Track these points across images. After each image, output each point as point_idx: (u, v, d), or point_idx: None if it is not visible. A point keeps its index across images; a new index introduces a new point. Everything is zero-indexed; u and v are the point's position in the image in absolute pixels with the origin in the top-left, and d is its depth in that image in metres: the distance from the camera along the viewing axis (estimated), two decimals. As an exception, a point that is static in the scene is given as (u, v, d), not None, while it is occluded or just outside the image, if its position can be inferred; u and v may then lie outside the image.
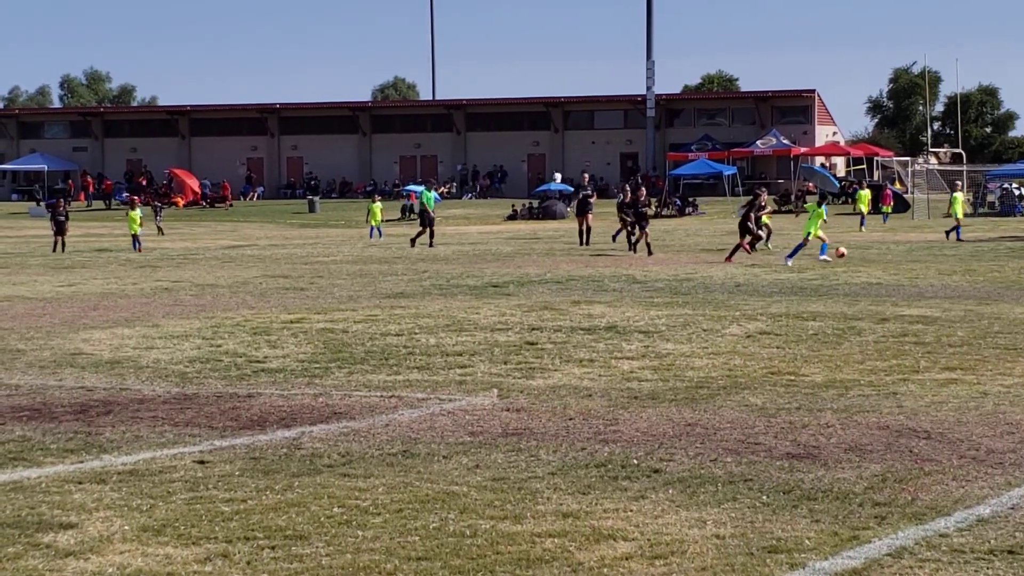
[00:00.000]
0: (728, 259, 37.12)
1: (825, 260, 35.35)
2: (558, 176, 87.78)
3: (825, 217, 37.86)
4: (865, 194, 61.58)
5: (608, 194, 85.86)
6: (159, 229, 60.04)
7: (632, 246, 42.30)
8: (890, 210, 66.92)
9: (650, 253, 40.02)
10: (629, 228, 43.12)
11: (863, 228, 56.55)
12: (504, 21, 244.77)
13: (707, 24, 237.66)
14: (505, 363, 17.42)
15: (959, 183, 61.63)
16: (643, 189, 45.17)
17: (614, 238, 45.51)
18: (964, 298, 25.53)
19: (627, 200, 43.25)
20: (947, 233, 48.64)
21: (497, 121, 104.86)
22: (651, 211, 42.27)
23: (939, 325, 20.94)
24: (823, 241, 36.30)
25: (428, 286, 29.89)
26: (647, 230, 41.62)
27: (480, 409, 14.13)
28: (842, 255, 35.77)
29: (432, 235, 47.76)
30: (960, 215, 49.56)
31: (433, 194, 50.68)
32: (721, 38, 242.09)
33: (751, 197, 41.83)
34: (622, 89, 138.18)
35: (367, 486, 10.62)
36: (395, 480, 10.83)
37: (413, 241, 47.26)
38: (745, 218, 39.89)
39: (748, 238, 39.13)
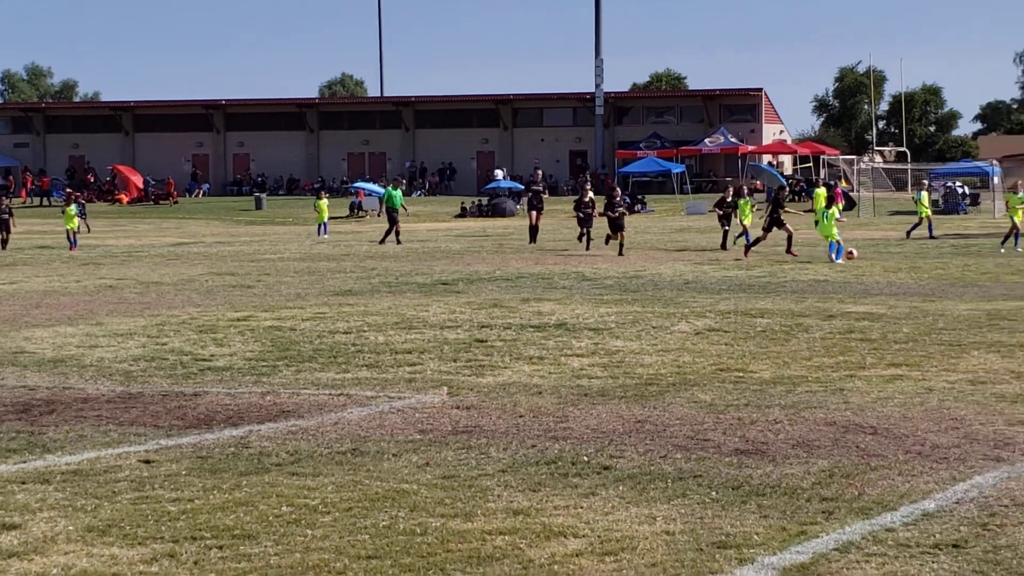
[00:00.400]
0: (790, 251, 36.75)
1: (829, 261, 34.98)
2: (499, 172, 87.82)
3: (826, 216, 37.28)
4: (821, 192, 61.57)
5: (558, 192, 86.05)
6: (87, 227, 59.42)
7: (586, 242, 42.04)
8: (842, 208, 67.09)
9: (621, 253, 38.99)
10: (586, 228, 42.75)
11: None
12: (453, 18, 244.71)
13: (655, 22, 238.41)
14: (455, 361, 17.40)
15: (925, 181, 61.82)
16: (618, 189, 44.44)
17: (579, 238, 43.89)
18: (909, 295, 25.69)
19: (588, 200, 42.70)
20: (930, 231, 48.85)
21: (446, 118, 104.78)
22: (610, 212, 40.88)
23: (885, 322, 21.07)
24: (833, 241, 35.90)
25: (377, 284, 29.83)
26: (623, 231, 40.57)
27: (430, 407, 14.11)
28: (852, 256, 35.34)
29: (388, 233, 47.60)
30: (927, 212, 50.18)
31: (399, 192, 50.21)
32: (669, 37, 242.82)
33: (775, 193, 41.14)
34: (571, 87, 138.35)
35: (316, 485, 10.58)
36: (344, 479, 10.80)
37: (397, 240, 47.10)
38: (774, 214, 39.43)
39: (784, 231, 38.47)
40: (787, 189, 43.21)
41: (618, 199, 41.30)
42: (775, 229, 38.36)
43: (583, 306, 24.01)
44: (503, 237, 51.91)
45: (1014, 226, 39.58)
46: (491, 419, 13.36)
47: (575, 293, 26.85)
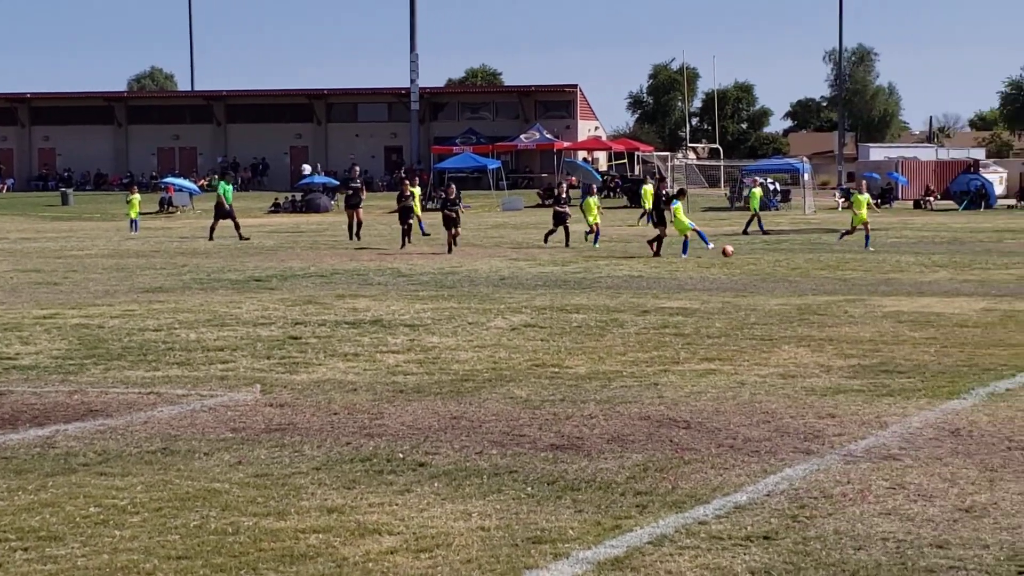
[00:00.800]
0: (656, 253, 36.17)
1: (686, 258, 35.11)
2: (307, 167, 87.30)
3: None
4: (649, 189, 61.66)
5: (373, 187, 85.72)
6: None
7: (402, 240, 41.65)
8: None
9: (449, 251, 38.27)
10: (405, 227, 42.42)
11: (642, 222, 56.26)
12: (266, 11, 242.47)
13: (471, 18, 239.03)
14: (268, 358, 17.19)
15: (759, 179, 62.55)
16: (453, 187, 43.69)
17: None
18: (722, 290, 26.07)
19: (446, 197, 41.81)
20: (748, 227, 49.77)
21: (258, 113, 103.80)
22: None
23: (698, 317, 21.34)
24: (687, 235, 36.25)
25: (188, 280, 29.40)
26: (457, 229, 39.80)
27: (242, 405, 13.91)
28: (728, 253, 35.37)
29: (238, 227, 46.06)
30: (756, 208, 51.21)
31: (231, 186, 48.88)
32: (485, 33, 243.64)
33: (656, 185, 40.27)
34: (386, 82, 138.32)
35: (125, 485, 10.35)
36: (154, 478, 10.58)
37: (210, 236, 46.05)
38: (659, 207, 38.96)
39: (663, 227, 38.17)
40: (666, 180, 43.06)
41: (453, 196, 40.96)
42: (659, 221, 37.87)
43: (399, 302, 23.94)
44: (317, 233, 51.56)
45: (864, 225, 39.56)
46: (305, 417, 13.22)
47: (391, 289, 26.76)
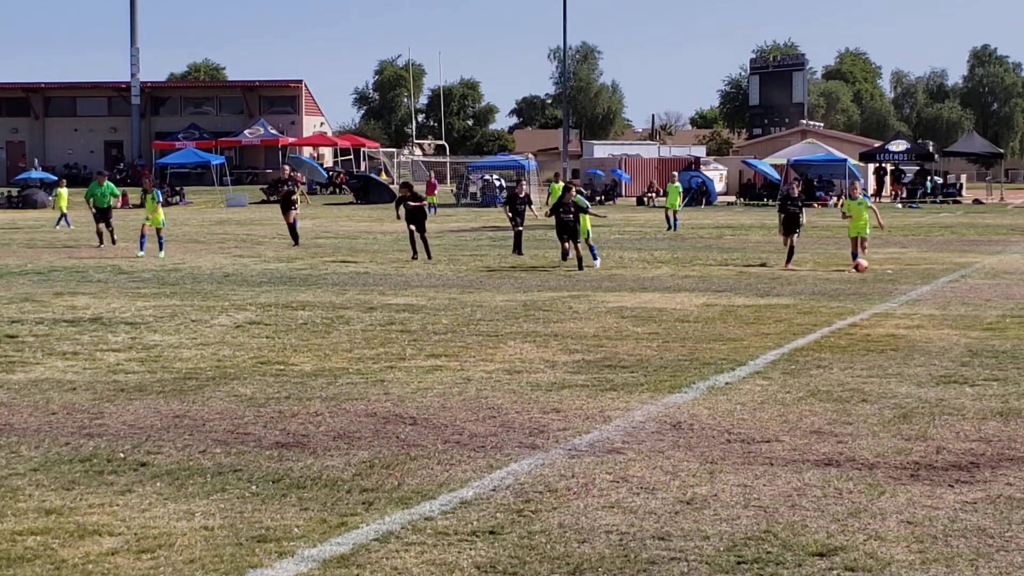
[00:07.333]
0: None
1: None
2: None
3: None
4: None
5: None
6: None
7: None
8: (435, 200, 66.43)
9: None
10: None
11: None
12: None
13: (193, 11, 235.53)
14: (-18, 357, 16.66)
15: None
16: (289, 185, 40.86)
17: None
18: (448, 287, 26.21)
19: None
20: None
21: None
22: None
23: (424, 313, 21.41)
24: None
25: (-103, 277, 28.31)
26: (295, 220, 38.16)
27: (-46, 405, 13.44)
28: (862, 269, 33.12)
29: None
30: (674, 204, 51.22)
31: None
32: (207, 26, 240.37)
33: (798, 196, 36.31)
34: (106, 76, 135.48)
35: None
36: None
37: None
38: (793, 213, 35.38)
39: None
40: (799, 182, 39.33)
41: (292, 188, 38.59)
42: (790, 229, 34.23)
43: (119, 300, 23.45)
44: (34, 230, 50.18)
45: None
46: (22, 417, 12.85)
47: (111, 287, 26.20)
